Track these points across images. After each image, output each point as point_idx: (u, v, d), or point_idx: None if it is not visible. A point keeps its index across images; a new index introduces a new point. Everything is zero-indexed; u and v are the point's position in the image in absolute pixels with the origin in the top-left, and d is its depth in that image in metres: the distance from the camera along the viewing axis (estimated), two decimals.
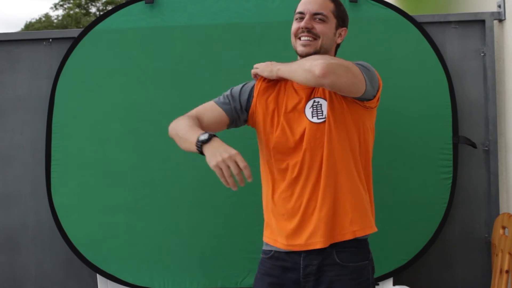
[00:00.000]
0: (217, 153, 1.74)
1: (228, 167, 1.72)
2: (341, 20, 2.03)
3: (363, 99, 1.95)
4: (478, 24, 2.68)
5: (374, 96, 1.98)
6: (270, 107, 2.04)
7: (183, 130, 1.93)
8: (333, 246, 1.93)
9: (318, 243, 1.92)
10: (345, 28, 2.07)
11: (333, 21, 1.99)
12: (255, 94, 2.08)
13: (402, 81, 2.60)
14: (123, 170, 2.62)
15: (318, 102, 1.97)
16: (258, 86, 2.08)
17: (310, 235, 1.93)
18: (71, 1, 28.20)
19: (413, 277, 2.69)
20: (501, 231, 2.46)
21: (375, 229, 2.01)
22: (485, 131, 2.68)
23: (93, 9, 28.10)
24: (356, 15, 2.59)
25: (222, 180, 1.74)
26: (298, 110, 1.99)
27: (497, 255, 2.46)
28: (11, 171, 2.75)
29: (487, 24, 2.66)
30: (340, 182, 1.94)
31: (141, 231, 2.61)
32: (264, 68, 2.06)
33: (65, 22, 26.82)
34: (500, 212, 2.65)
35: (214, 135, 1.81)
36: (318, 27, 1.96)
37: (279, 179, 2.00)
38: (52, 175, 2.64)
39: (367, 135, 2.02)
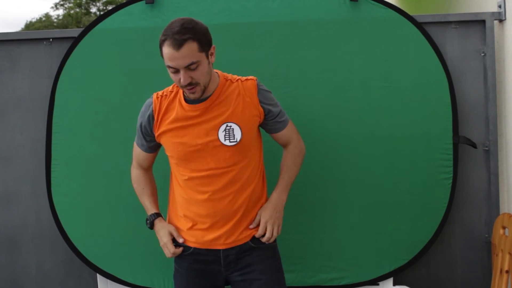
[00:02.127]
0: (159, 238, 2.22)
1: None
2: (207, 45, 2.02)
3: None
4: (478, 24, 2.68)
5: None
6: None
7: (138, 196, 2.35)
8: None
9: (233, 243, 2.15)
10: (212, 45, 2.06)
11: (203, 56, 1.99)
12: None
13: (402, 81, 2.60)
14: (123, 170, 2.61)
15: (231, 126, 2.10)
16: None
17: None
18: (72, 1, 28.20)
19: (413, 277, 2.69)
20: (501, 231, 2.46)
21: None
22: (485, 131, 2.68)
23: (93, 9, 28.11)
24: (356, 15, 2.59)
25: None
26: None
27: (497, 255, 2.46)
28: (11, 170, 2.75)
29: (488, 24, 2.66)
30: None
31: (141, 230, 2.60)
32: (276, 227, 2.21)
33: (66, 21, 26.84)
34: (500, 212, 2.65)
35: (156, 217, 2.26)
36: (195, 75, 1.98)
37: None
38: (52, 174, 2.64)
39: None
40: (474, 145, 2.63)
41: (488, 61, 2.66)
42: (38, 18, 28.79)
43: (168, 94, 2.16)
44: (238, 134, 2.08)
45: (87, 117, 2.64)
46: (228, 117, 2.08)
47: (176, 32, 1.92)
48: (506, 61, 2.64)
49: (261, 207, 2.19)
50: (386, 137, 2.59)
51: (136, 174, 2.33)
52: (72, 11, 27.99)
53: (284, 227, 2.59)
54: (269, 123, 2.19)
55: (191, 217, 2.14)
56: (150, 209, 2.27)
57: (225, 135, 2.07)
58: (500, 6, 2.67)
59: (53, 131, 2.64)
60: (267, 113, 2.15)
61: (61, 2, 28.41)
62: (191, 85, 1.98)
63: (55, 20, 28.03)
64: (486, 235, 2.68)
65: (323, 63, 2.61)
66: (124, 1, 2.66)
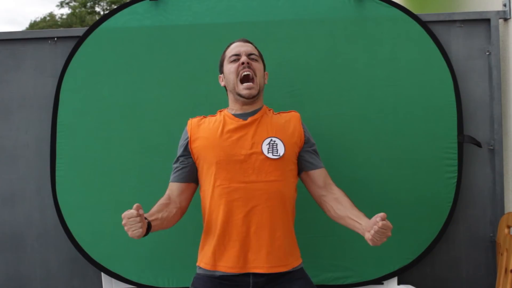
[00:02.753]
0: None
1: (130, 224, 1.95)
2: (263, 63, 2.28)
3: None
4: (483, 23, 2.68)
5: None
6: None
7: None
8: None
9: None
10: (267, 72, 2.32)
11: (262, 63, 2.26)
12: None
13: (407, 80, 2.60)
14: (127, 169, 2.62)
15: (275, 141, 2.16)
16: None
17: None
18: (77, 0, 28.26)
19: (418, 276, 2.69)
20: (506, 230, 2.45)
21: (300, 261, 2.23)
22: (490, 130, 2.67)
23: (97, 9, 28.15)
24: (361, 14, 2.59)
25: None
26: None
27: (502, 254, 2.45)
28: (16, 169, 2.75)
29: (492, 23, 2.65)
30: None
31: None
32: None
33: (70, 21, 26.88)
34: (505, 211, 2.64)
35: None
36: (255, 65, 2.19)
37: None
38: (57, 173, 2.64)
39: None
40: (479, 144, 2.63)
41: (493, 60, 2.65)
42: (42, 17, 28.85)
43: (206, 118, 2.29)
44: (281, 149, 2.12)
45: (92, 116, 2.64)
46: (272, 133, 2.15)
47: (241, 39, 2.28)
48: (511, 60, 2.64)
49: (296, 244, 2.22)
50: (391, 136, 2.59)
51: (161, 198, 2.19)
52: (76, 10, 28.02)
53: None
54: (307, 151, 2.21)
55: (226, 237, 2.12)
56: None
57: (268, 148, 2.11)
58: (505, 5, 2.66)
59: (57, 130, 2.64)
60: (306, 141, 2.22)
61: (67, 1, 28.47)
62: (249, 69, 2.15)
63: (59, 19, 28.08)
64: (491, 235, 2.67)
65: (328, 62, 2.61)
66: (128, 0, 2.65)
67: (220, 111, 2.28)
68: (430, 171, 2.59)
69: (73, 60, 2.64)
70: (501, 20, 2.68)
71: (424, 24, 2.60)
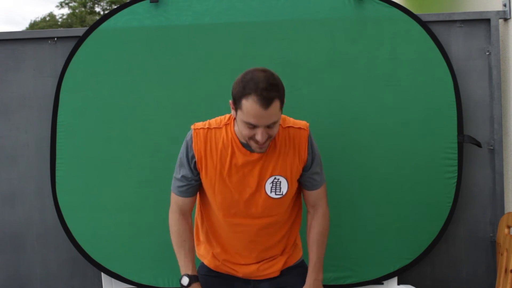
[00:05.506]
0: None
1: None
2: (283, 103, 1.92)
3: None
4: (483, 23, 2.67)
5: None
6: None
7: (174, 246, 2.14)
8: None
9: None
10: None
11: (280, 113, 1.92)
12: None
13: (406, 80, 2.59)
14: (127, 169, 2.62)
15: (279, 180, 2.07)
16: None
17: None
18: (77, 0, 28.26)
19: (418, 276, 2.69)
20: (506, 230, 2.45)
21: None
22: (490, 130, 2.67)
23: (97, 9, 28.15)
24: (361, 14, 2.59)
25: None
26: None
27: (502, 254, 2.45)
28: (16, 169, 2.75)
29: (492, 23, 2.65)
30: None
31: (146, 229, 2.61)
32: None
33: (70, 21, 26.88)
34: (505, 212, 2.64)
35: (195, 281, 2.05)
36: (273, 132, 1.93)
37: None
38: (57, 173, 2.64)
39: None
40: (478, 144, 2.62)
41: (493, 60, 2.65)
42: (42, 17, 28.86)
43: (211, 130, 2.07)
44: (284, 188, 2.06)
45: (92, 116, 2.64)
46: (276, 170, 2.04)
47: (264, 89, 1.81)
48: (511, 60, 2.64)
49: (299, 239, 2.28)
50: (391, 136, 2.59)
51: (176, 221, 2.14)
52: (76, 10, 28.03)
53: None
54: (306, 174, 2.12)
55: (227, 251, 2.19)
56: (188, 269, 2.08)
57: (271, 188, 2.06)
58: (505, 5, 2.66)
59: (57, 130, 2.64)
60: (306, 169, 2.10)
61: (66, 1, 28.47)
62: (266, 141, 1.93)
63: (60, 19, 28.09)
64: (491, 235, 2.67)
65: (328, 62, 2.60)
66: (128, 0, 2.65)
67: (226, 125, 2.05)
68: (430, 171, 2.59)
69: (73, 60, 2.64)
70: (501, 20, 2.68)
71: (424, 24, 2.60)
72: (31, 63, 2.74)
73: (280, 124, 2.04)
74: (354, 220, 2.61)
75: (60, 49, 2.73)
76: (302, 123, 2.10)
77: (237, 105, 1.88)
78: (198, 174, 2.07)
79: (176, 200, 2.14)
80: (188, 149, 2.06)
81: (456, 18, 2.67)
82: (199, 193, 2.18)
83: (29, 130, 2.75)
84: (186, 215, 2.14)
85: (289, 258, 2.23)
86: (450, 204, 2.59)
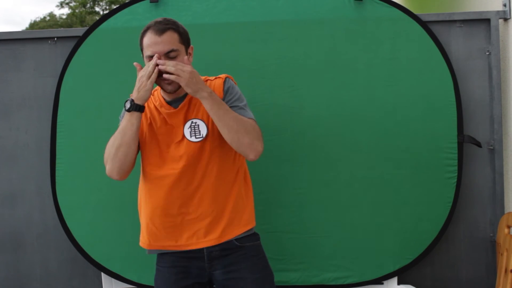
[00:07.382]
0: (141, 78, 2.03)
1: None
2: (186, 41, 2.06)
3: None
4: (483, 23, 2.68)
5: None
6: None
7: (113, 139, 2.12)
8: None
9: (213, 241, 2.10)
10: (191, 45, 2.10)
11: (183, 48, 2.03)
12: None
13: (406, 80, 2.59)
14: None
15: (196, 123, 2.08)
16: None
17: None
18: (77, 0, 28.26)
19: (417, 276, 2.69)
20: (506, 230, 2.45)
21: (253, 224, 2.19)
22: (490, 130, 2.67)
23: (97, 9, 28.15)
24: (360, 14, 2.59)
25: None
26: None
27: (502, 254, 2.45)
28: (16, 169, 2.75)
29: (492, 23, 2.65)
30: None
31: None
32: (187, 77, 1.96)
33: (70, 21, 26.89)
34: (505, 211, 2.64)
35: (137, 109, 2.03)
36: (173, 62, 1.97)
37: None
38: (57, 173, 2.64)
39: None
40: (478, 144, 2.63)
41: (493, 60, 2.65)
42: (42, 17, 28.87)
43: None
44: (203, 130, 2.06)
45: (92, 116, 2.64)
46: (192, 115, 2.07)
47: (159, 22, 1.99)
48: (511, 60, 2.64)
49: (247, 211, 2.16)
50: (391, 136, 2.59)
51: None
52: (76, 10, 28.03)
53: (288, 226, 2.59)
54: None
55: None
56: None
57: (190, 132, 2.07)
58: (505, 5, 2.66)
59: (57, 130, 2.64)
60: (222, 99, 2.06)
61: (66, 1, 28.47)
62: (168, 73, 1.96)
63: (60, 19, 28.08)
64: (491, 235, 2.67)
65: (328, 62, 2.61)
66: (128, 1, 2.65)
67: (155, 90, 2.17)
68: (430, 171, 2.59)
69: (73, 60, 2.64)
70: (501, 20, 2.68)
71: (424, 24, 2.60)
72: (31, 63, 2.74)
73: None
74: (354, 219, 2.61)
75: (60, 49, 2.73)
76: (222, 75, 2.16)
77: (141, 50, 2.04)
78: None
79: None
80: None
81: (456, 18, 2.67)
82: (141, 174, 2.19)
83: (29, 130, 2.75)
84: None
85: (229, 228, 2.11)
86: (450, 204, 2.59)
